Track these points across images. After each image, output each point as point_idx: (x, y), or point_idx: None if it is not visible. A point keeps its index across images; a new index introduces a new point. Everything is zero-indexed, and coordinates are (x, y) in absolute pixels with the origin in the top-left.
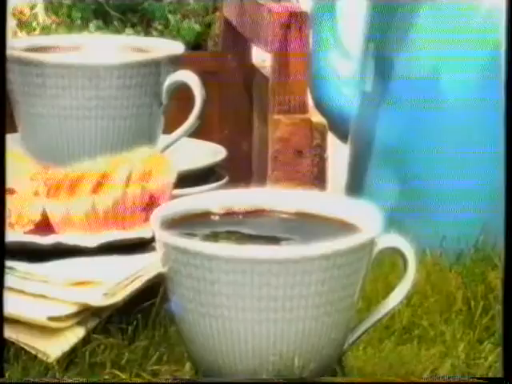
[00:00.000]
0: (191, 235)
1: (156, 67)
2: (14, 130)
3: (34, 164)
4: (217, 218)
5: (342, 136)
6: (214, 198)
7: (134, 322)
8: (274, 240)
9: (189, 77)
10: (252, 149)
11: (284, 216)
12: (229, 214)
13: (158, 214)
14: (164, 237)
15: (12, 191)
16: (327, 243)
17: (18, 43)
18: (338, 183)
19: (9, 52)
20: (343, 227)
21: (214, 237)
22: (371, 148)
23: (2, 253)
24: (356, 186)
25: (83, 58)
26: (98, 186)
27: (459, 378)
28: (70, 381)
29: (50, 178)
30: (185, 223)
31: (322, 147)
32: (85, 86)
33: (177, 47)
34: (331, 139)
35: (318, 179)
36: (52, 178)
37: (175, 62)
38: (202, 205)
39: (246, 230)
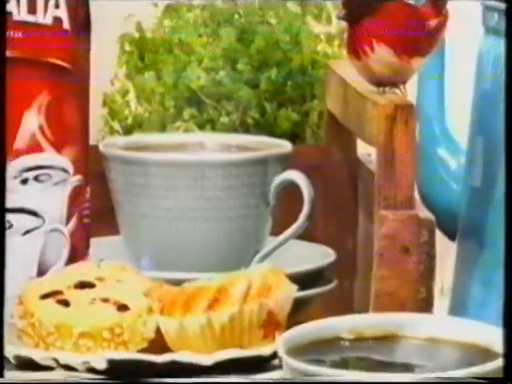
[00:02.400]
0: (320, 361)
1: (263, 166)
2: (115, 231)
3: (147, 280)
4: (346, 343)
5: (450, 233)
6: (343, 323)
7: None
8: (406, 367)
9: (298, 177)
10: (357, 246)
11: (416, 342)
12: (358, 340)
13: (284, 339)
14: (291, 363)
15: (125, 308)
16: (463, 370)
17: (119, 141)
18: (446, 282)
19: (111, 150)
20: (477, 352)
21: (344, 363)
22: (480, 248)
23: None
24: (463, 287)
25: (187, 156)
26: (214, 302)
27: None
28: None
29: (164, 294)
30: (313, 349)
31: (429, 244)
32: (190, 187)
33: (284, 145)
34: (439, 236)
35: (425, 277)
36: (166, 294)
37: (283, 161)
38: (331, 330)
39: (376, 357)
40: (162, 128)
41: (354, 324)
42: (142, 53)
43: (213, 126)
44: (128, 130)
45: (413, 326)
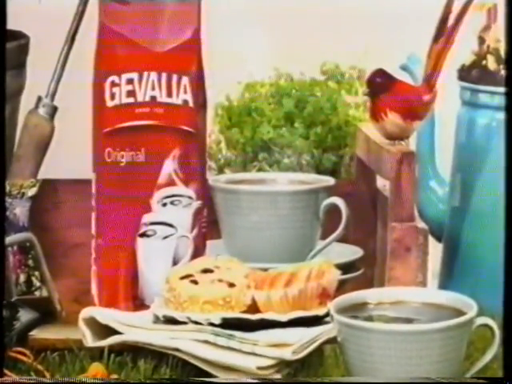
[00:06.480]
0: (355, 317)
1: (315, 194)
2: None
3: (246, 268)
4: (372, 306)
5: (438, 238)
6: (371, 293)
7: None
8: (408, 320)
9: (339, 201)
10: (376, 246)
11: (415, 305)
12: (380, 304)
13: (334, 304)
14: (338, 318)
15: (233, 285)
16: (442, 322)
17: (221, 178)
18: (435, 270)
19: (216, 184)
20: (454, 312)
21: (370, 318)
22: (457, 248)
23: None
24: (447, 273)
25: (266, 187)
26: (288, 282)
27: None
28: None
29: (257, 276)
30: (352, 309)
31: (424, 245)
32: (267, 207)
33: (329, 180)
34: (431, 239)
35: (421, 267)
36: (259, 276)
37: (328, 190)
38: (363, 298)
39: (391, 314)
40: (244, 166)
41: (377, 294)
42: (230, 115)
43: (278, 165)
44: (220, 168)
45: (413, 295)
